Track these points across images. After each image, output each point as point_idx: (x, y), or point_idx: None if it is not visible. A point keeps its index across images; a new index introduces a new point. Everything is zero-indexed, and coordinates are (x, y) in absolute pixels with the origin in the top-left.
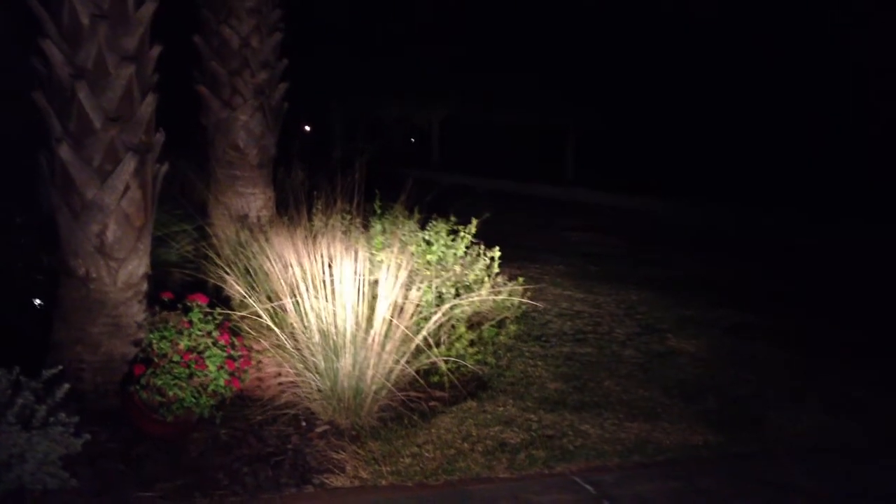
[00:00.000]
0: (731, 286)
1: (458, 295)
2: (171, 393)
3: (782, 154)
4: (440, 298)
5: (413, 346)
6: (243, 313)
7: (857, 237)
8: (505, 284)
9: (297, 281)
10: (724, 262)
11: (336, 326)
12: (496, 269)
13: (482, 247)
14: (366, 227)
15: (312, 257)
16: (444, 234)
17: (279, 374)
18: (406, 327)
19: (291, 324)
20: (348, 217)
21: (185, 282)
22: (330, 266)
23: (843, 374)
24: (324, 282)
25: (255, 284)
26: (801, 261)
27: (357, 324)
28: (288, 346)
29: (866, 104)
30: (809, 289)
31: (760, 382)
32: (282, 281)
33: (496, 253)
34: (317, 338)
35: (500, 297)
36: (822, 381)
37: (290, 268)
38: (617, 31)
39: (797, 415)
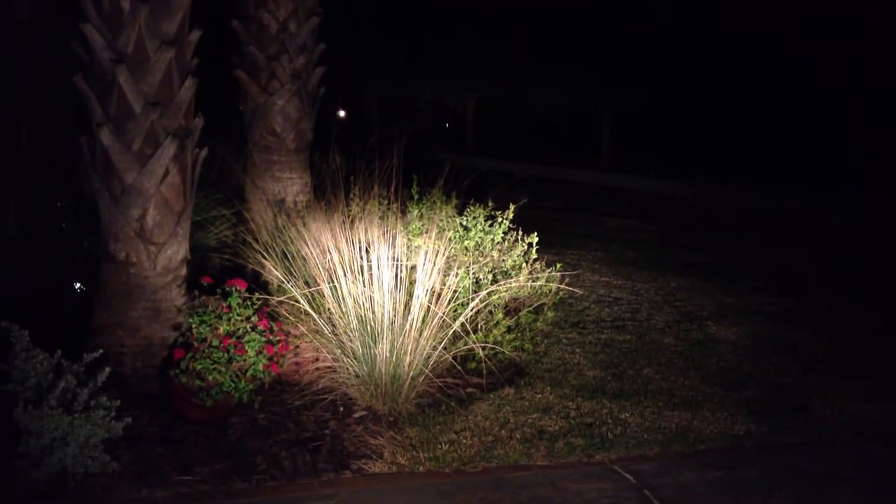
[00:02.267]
0: (771, 272)
1: (495, 281)
2: (210, 377)
3: (817, 136)
4: (478, 284)
5: (450, 332)
6: (281, 298)
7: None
8: (542, 270)
9: (334, 266)
10: (763, 248)
11: (373, 312)
12: (534, 255)
13: (520, 232)
14: (403, 212)
15: (350, 242)
16: (481, 219)
17: (317, 360)
18: (443, 313)
19: (329, 309)
20: (385, 202)
21: (223, 266)
22: (367, 251)
23: (888, 361)
24: (361, 267)
25: (292, 269)
26: (841, 245)
27: (395, 309)
28: (325, 331)
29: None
30: (850, 273)
31: (803, 370)
32: (319, 266)
33: (534, 238)
34: (354, 323)
35: (537, 284)
36: (865, 368)
37: (327, 253)
38: (653, 18)
39: (841, 403)
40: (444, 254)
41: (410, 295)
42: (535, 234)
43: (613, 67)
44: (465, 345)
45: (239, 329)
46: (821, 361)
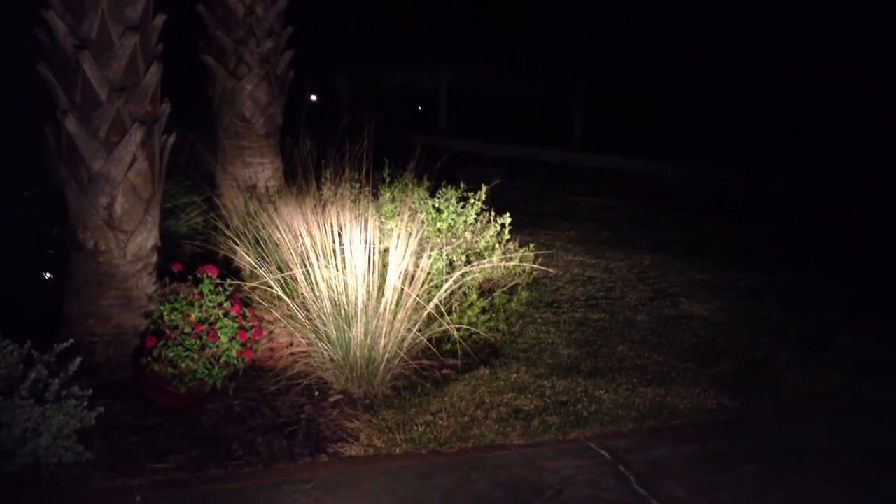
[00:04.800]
0: (742, 249)
1: (468, 262)
2: (183, 365)
3: (789, 118)
4: (451, 266)
5: (424, 314)
6: (254, 284)
7: (866, 199)
8: (516, 251)
9: (307, 251)
10: (736, 225)
11: (347, 296)
12: (507, 236)
13: (492, 213)
14: (375, 195)
15: (322, 226)
16: (454, 201)
17: (291, 345)
18: (417, 295)
19: (302, 294)
20: (357, 185)
21: (195, 253)
22: (340, 235)
23: (858, 335)
24: (334, 251)
25: (265, 255)
26: (812, 223)
27: (368, 293)
28: (299, 316)
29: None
30: (821, 250)
31: (775, 344)
32: (292, 251)
33: (507, 219)
34: (328, 307)
35: (511, 264)
36: (836, 341)
37: (299, 237)
38: None
39: (812, 376)
40: (416, 236)
41: (384, 278)
42: (508, 214)
43: (583, 50)
44: (440, 326)
45: (211, 315)
46: (791, 335)
